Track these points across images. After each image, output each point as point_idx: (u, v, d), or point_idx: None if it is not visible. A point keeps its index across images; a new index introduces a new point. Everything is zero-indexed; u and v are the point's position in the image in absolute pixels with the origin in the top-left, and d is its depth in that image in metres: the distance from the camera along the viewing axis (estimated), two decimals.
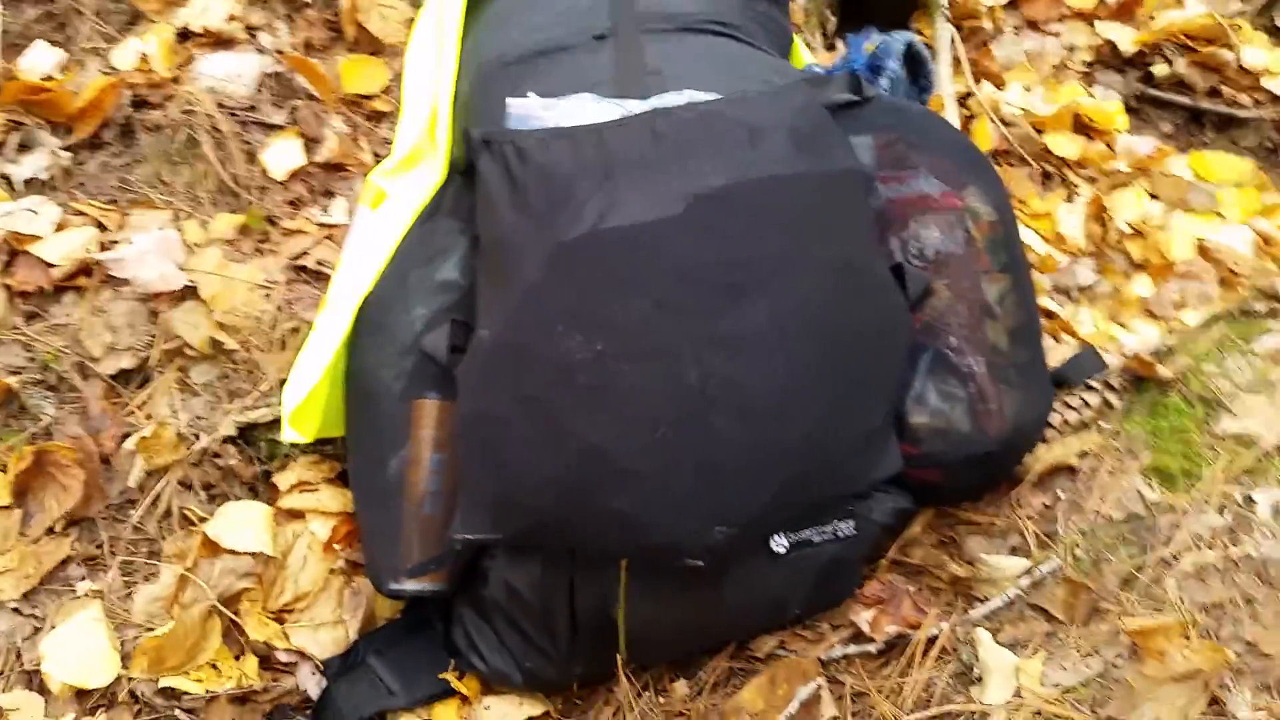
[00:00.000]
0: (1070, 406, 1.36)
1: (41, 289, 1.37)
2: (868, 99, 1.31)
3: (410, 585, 1.16)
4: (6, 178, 1.47)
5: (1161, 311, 2.03)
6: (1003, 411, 1.19)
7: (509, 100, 1.23)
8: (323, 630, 1.26)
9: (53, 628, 1.19)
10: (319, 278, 1.53)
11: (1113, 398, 1.36)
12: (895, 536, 1.26)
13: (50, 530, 1.26)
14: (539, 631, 1.15)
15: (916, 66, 1.57)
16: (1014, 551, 1.23)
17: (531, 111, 1.23)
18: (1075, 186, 2.28)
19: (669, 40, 1.31)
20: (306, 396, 1.24)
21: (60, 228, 1.43)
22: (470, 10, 1.43)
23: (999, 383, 1.20)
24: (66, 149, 1.52)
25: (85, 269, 1.40)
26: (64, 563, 1.25)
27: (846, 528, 1.15)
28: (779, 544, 1.12)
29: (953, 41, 2.41)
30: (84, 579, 1.25)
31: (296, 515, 1.33)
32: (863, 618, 1.20)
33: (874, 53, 1.56)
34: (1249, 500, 1.12)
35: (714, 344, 1.03)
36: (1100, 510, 1.21)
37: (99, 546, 1.28)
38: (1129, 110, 2.40)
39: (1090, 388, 1.37)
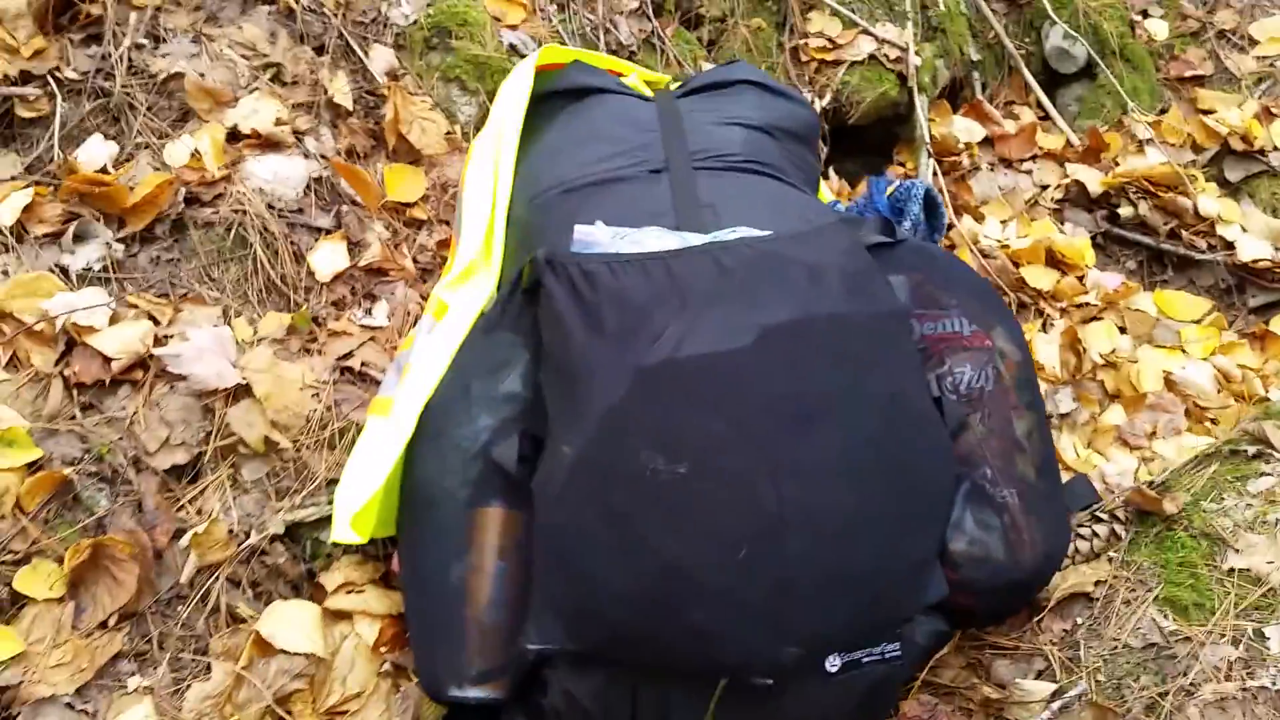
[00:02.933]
0: (1081, 536, 1.45)
1: (100, 381, 1.39)
2: (899, 241, 1.42)
3: (473, 692, 1.19)
4: (63, 268, 1.49)
5: (1135, 441, 2.16)
6: (1034, 541, 1.28)
7: (577, 226, 1.31)
8: None
9: None
10: (364, 379, 1.57)
11: (1119, 529, 1.46)
12: (929, 658, 1.32)
13: (103, 625, 1.26)
14: None
15: (931, 209, 1.70)
16: (1039, 675, 1.31)
17: (597, 238, 1.31)
18: (1050, 317, 2.43)
19: (718, 177, 1.42)
20: (369, 501, 1.28)
21: (114, 320, 1.46)
22: (524, 139, 1.52)
23: (1030, 514, 1.28)
24: (119, 241, 1.55)
25: (141, 362, 1.43)
26: (115, 658, 1.25)
27: (893, 649, 1.21)
28: (832, 664, 1.18)
29: (935, 174, 2.58)
30: (134, 674, 1.25)
31: (343, 616, 1.35)
32: None
33: (894, 196, 1.68)
34: (1260, 635, 1.22)
35: (789, 471, 1.10)
36: (1119, 638, 1.29)
37: (149, 642, 1.28)
38: (1095, 247, 2.58)
39: (1098, 518, 1.47)
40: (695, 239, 1.27)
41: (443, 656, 1.21)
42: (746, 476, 1.09)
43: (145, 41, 1.74)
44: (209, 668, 1.27)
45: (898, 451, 1.17)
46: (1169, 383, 2.26)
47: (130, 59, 1.71)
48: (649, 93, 1.62)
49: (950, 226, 2.52)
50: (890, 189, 1.65)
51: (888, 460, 1.16)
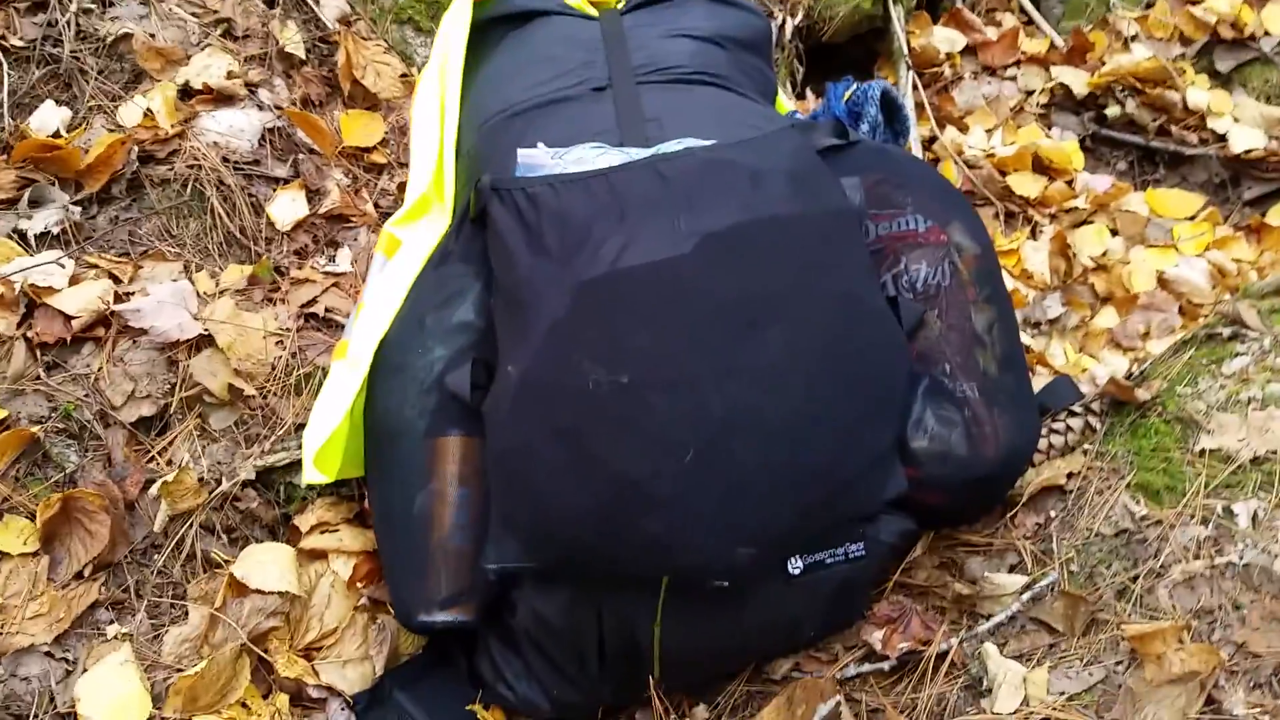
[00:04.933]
0: (1055, 431, 1.44)
1: (62, 340, 1.40)
2: (853, 143, 1.39)
3: (441, 617, 1.20)
4: (21, 233, 1.50)
5: (1128, 342, 2.13)
6: (997, 435, 1.26)
7: (519, 150, 1.30)
8: (350, 666, 1.29)
9: (84, 671, 1.21)
10: (329, 324, 1.57)
11: (1094, 421, 1.44)
12: (900, 559, 1.32)
13: (78, 575, 1.28)
14: (567, 658, 1.20)
15: (892, 112, 1.67)
16: (1012, 569, 1.30)
17: (540, 160, 1.30)
18: (1038, 224, 2.39)
19: (664, 91, 1.39)
20: (329, 437, 1.28)
21: (74, 281, 1.46)
22: (469, 69, 1.50)
23: (992, 407, 1.27)
24: (76, 204, 1.55)
25: (103, 320, 1.43)
26: (92, 607, 1.27)
27: (856, 549, 1.21)
28: (794, 566, 1.18)
29: (915, 87, 2.53)
30: (112, 622, 1.27)
31: (319, 555, 1.36)
32: (875, 637, 1.25)
33: (851, 99, 1.65)
34: (1229, 512, 1.20)
35: (733, 373, 1.09)
36: (1091, 527, 1.28)
37: (125, 590, 1.30)
38: (1085, 149, 2.52)
39: (1073, 412, 1.45)
40: (637, 153, 1.26)
41: (411, 584, 1.23)
42: (690, 382, 1.09)
43: (92, 6, 1.73)
44: (187, 612, 1.29)
45: (848, 349, 1.16)
46: (1162, 282, 2.22)
47: (78, 24, 1.70)
48: (594, 12, 1.59)
49: (933, 139, 2.48)
50: (848, 93, 1.62)
51: (837, 358, 1.15)
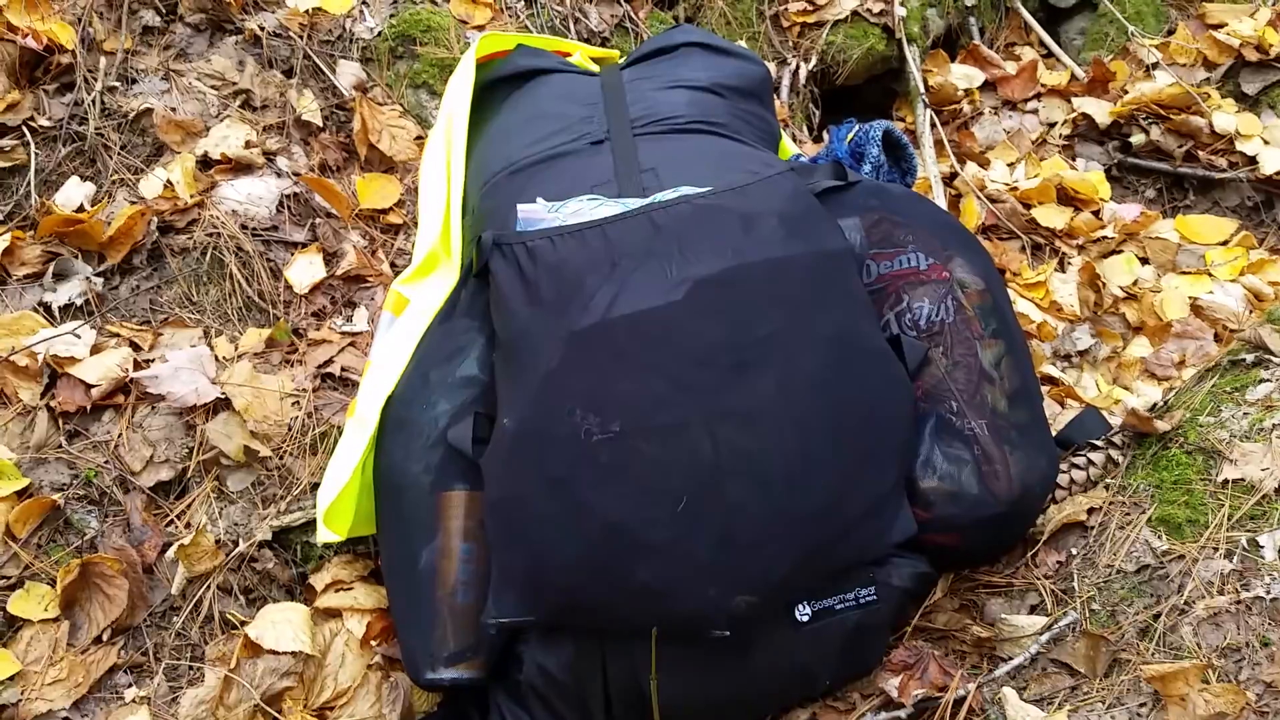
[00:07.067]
0: (1077, 466, 1.40)
1: (82, 408, 1.43)
2: (852, 183, 1.39)
3: (447, 674, 1.19)
4: (46, 305, 1.54)
5: (1163, 372, 2.08)
6: (1009, 472, 1.23)
7: (519, 206, 1.32)
8: None
9: None
10: (345, 384, 1.59)
11: (1116, 454, 1.40)
12: (918, 603, 1.29)
13: (98, 639, 1.30)
14: (574, 712, 1.18)
15: (897, 151, 1.66)
16: (1033, 610, 1.26)
17: (538, 214, 1.31)
18: (1066, 256, 2.35)
19: (661, 141, 1.40)
20: (339, 495, 1.29)
21: (96, 350, 1.50)
22: (475, 128, 1.53)
23: (1002, 444, 1.24)
24: (99, 275, 1.60)
25: (122, 387, 1.47)
26: (111, 671, 1.29)
27: (867, 594, 1.18)
28: (802, 613, 1.16)
29: (933, 125, 2.52)
30: (131, 686, 1.29)
31: (334, 614, 1.37)
32: (891, 684, 1.22)
33: (854, 140, 1.64)
34: (1255, 544, 1.16)
35: (725, 418, 1.09)
36: (1113, 563, 1.24)
37: (144, 653, 1.32)
38: (1111, 179, 2.49)
39: (1094, 446, 1.42)
40: (634, 202, 1.27)
41: (418, 640, 1.22)
42: (680, 428, 1.08)
43: (117, 84, 1.80)
44: (204, 674, 1.30)
45: (845, 389, 1.15)
46: (1196, 309, 2.17)
47: (103, 102, 1.76)
48: (595, 68, 1.62)
49: (954, 176, 2.47)
50: (850, 134, 1.62)
51: (832, 399, 1.14)
